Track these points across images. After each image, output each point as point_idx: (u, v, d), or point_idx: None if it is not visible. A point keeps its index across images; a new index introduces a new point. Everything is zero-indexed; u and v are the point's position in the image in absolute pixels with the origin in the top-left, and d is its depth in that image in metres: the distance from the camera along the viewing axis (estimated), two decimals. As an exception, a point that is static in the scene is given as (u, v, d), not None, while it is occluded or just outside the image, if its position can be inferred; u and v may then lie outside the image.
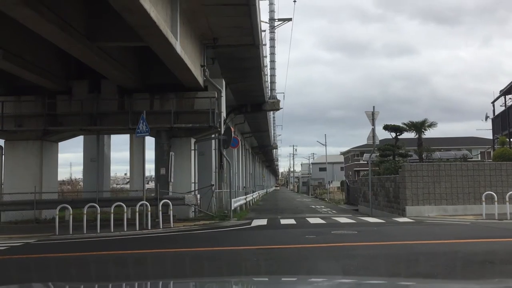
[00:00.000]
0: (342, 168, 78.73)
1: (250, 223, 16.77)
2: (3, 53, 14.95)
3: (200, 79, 19.37)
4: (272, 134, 56.19)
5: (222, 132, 20.02)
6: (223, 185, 21.51)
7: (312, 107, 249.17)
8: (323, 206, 32.86)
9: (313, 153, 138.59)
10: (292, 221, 17.37)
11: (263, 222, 17.35)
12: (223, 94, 20.72)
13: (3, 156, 20.05)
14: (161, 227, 15.32)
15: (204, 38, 19.32)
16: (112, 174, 79.90)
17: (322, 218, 19.24)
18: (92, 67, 17.22)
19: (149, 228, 15.12)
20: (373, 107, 21.97)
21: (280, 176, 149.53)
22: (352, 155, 69.15)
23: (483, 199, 16.29)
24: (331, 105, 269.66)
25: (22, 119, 19.87)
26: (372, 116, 21.94)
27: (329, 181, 51.91)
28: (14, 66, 16.50)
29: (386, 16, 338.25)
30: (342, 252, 9.58)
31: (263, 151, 65.39)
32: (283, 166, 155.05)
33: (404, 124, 26.30)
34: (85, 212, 14.65)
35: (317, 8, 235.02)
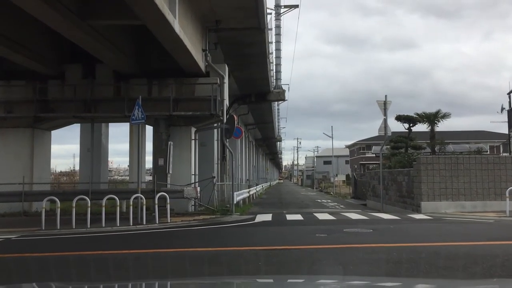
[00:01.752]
0: (347, 162, 77.41)
1: (253, 219, 15.55)
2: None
3: (202, 64, 18.12)
4: (276, 126, 54.95)
5: (225, 120, 18.75)
6: (225, 177, 20.24)
7: (314, 101, 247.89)
8: (329, 200, 31.71)
9: (317, 146, 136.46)
10: (299, 217, 16.15)
11: (268, 217, 16.13)
12: (226, 80, 19.45)
13: (-9, 144, 18.84)
14: (157, 222, 14.15)
15: (206, 20, 18.09)
16: (115, 165, 79.13)
17: (330, 213, 18.00)
18: (85, 48, 16.03)
19: (144, 223, 13.94)
20: (385, 96, 20.65)
21: (283, 169, 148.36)
22: (358, 148, 67.75)
23: (507, 195, 15.01)
24: (333, 98, 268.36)
25: (12, 105, 18.72)
26: (384, 106, 20.59)
27: (335, 174, 50.61)
28: (3, 48, 15.35)
29: (386, 9, 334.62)
30: (359, 255, 8.32)
31: (267, 144, 64.31)
32: (286, 159, 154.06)
33: (417, 114, 25.00)
34: (73, 205, 13.47)
35: (318, 0, 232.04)
